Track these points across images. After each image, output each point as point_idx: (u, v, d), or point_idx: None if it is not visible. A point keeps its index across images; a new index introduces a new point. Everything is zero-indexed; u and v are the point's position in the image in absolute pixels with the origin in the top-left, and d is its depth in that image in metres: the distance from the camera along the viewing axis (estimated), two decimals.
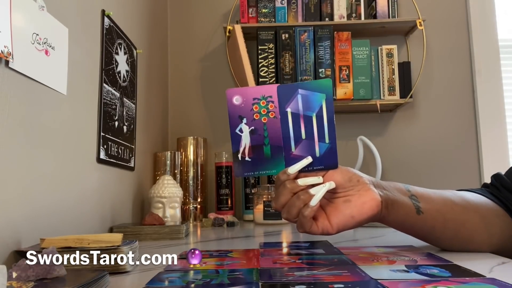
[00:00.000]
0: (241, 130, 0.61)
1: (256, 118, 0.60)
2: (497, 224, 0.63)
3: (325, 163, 0.60)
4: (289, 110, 0.59)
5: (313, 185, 0.58)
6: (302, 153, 0.60)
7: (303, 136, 0.60)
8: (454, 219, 0.61)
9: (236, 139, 0.61)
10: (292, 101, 0.59)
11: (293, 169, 0.59)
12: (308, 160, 0.59)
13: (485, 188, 0.70)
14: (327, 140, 0.59)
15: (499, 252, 0.62)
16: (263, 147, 0.61)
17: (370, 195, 0.59)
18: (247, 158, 0.61)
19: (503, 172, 0.69)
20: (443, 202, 0.62)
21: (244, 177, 1.44)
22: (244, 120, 0.61)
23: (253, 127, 0.60)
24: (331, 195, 0.60)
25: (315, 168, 0.60)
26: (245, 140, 0.61)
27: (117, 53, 1.05)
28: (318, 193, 0.57)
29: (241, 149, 0.61)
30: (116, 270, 0.54)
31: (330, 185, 0.58)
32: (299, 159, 0.59)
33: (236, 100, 0.61)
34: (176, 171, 1.38)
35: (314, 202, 0.57)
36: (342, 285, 0.44)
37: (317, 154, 0.59)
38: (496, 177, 0.69)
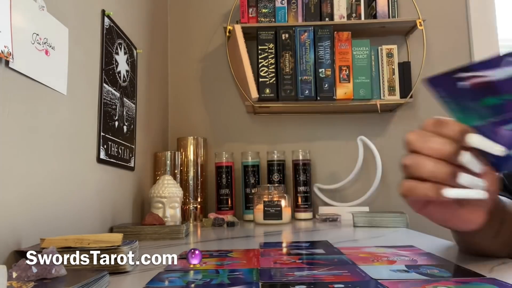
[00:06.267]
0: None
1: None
2: None
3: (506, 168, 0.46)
4: None
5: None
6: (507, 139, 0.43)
7: None
8: None
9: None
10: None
11: (476, 139, 0.43)
12: (498, 149, 0.43)
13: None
14: None
15: None
16: None
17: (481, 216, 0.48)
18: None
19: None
20: None
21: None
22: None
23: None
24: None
25: (493, 161, 0.45)
26: None
27: (117, 53, 1.05)
28: (462, 192, 0.44)
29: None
30: (116, 270, 0.54)
31: (483, 195, 0.44)
32: (498, 139, 0.43)
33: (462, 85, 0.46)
34: (176, 171, 1.38)
35: (451, 193, 0.43)
36: (342, 285, 0.44)
37: None
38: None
